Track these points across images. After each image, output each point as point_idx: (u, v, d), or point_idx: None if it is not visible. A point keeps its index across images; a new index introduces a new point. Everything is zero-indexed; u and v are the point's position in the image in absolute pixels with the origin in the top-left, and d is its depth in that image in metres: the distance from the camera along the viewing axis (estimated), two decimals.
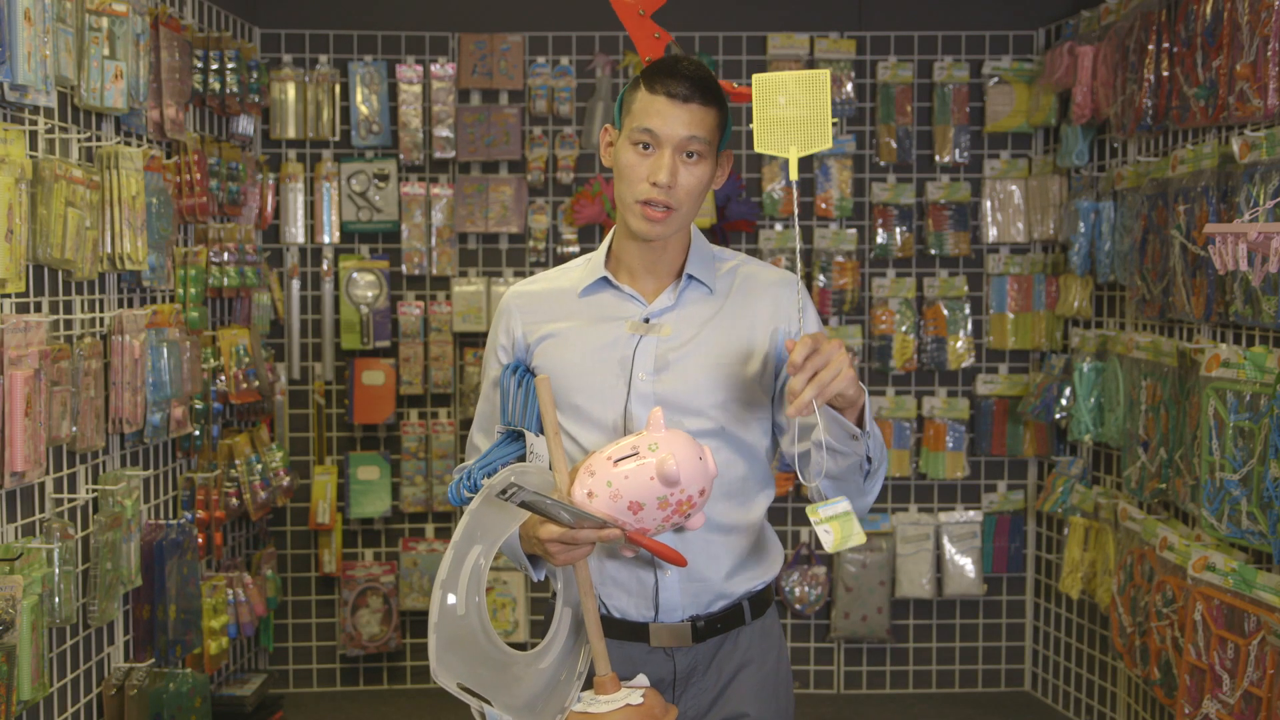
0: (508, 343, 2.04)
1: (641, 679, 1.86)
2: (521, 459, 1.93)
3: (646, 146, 1.89)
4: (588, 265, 2.05)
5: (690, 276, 1.99)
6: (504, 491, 1.67)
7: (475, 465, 1.93)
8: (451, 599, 1.73)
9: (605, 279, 2.00)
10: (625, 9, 1.96)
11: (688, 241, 2.02)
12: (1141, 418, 3.52)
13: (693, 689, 1.97)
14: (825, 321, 4.56)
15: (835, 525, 1.75)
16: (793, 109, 1.77)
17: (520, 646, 1.86)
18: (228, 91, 3.85)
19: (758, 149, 1.83)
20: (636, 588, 1.95)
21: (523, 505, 1.70)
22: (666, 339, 1.95)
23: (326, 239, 4.52)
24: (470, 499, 1.92)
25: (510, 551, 1.90)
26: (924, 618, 4.64)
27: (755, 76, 1.80)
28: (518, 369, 2.00)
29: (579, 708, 1.80)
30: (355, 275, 4.47)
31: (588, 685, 1.86)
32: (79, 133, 2.90)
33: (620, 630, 1.94)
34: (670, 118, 1.87)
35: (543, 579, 1.97)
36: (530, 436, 1.93)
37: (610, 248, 2.03)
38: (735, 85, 2.01)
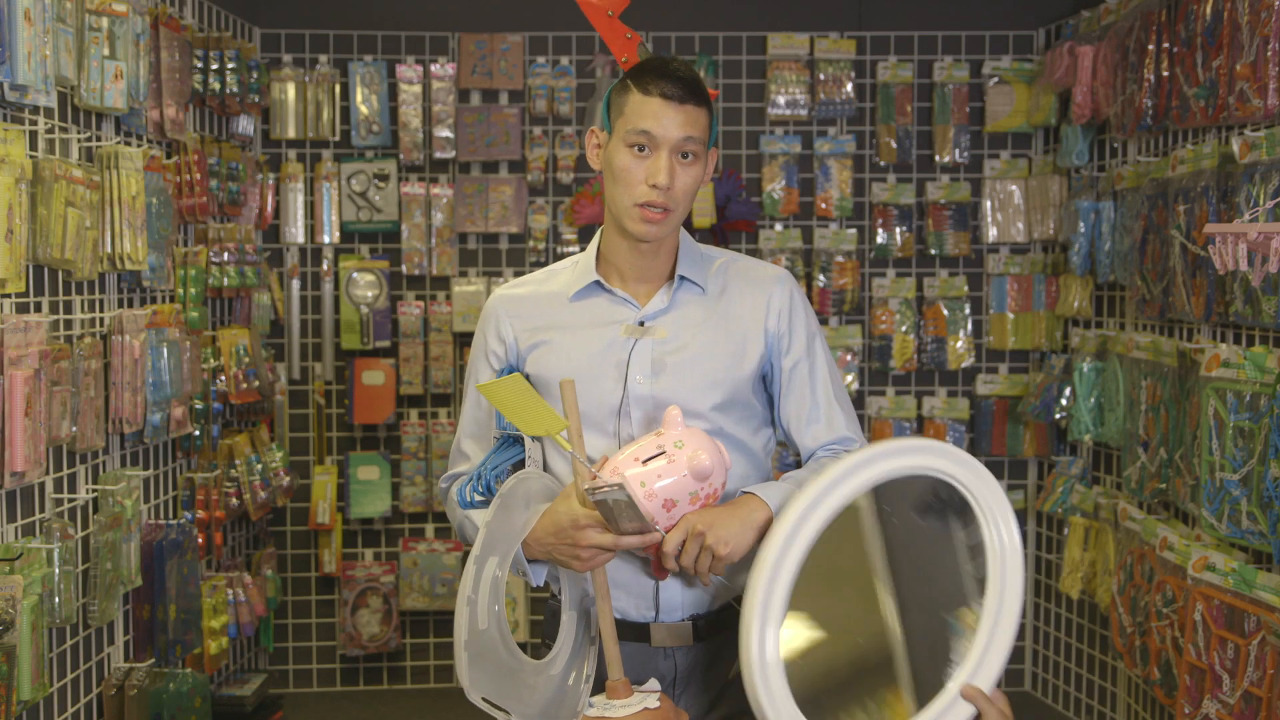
0: (499, 348, 2.02)
1: (653, 683, 1.86)
2: (521, 464, 1.94)
3: (642, 149, 1.88)
4: (575, 269, 2.03)
5: (683, 278, 1.99)
6: (595, 489, 1.70)
7: (488, 468, 1.93)
8: (477, 614, 1.73)
9: (597, 283, 1.99)
10: (594, 11, 1.96)
11: (676, 243, 2.01)
12: (1141, 418, 3.52)
13: (694, 688, 1.97)
14: (825, 321, 4.56)
15: None
16: (517, 405, 1.79)
17: (521, 647, 1.87)
18: (228, 91, 3.85)
19: (528, 433, 1.86)
20: (637, 588, 1.95)
21: (600, 503, 1.72)
22: (662, 341, 1.95)
23: (326, 239, 4.52)
24: (480, 502, 1.92)
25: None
26: None
27: (481, 388, 1.83)
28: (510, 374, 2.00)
29: (593, 713, 1.80)
30: (355, 275, 4.47)
31: (598, 689, 1.86)
32: (79, 133, 2.90)
33: (621, 630, 1.93)
34: (666, 119, 1.86)
35: (542, 584, 1.97)
36: (528, 441, 1.93)
37: (599, 251, 2.02)
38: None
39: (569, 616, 1.92)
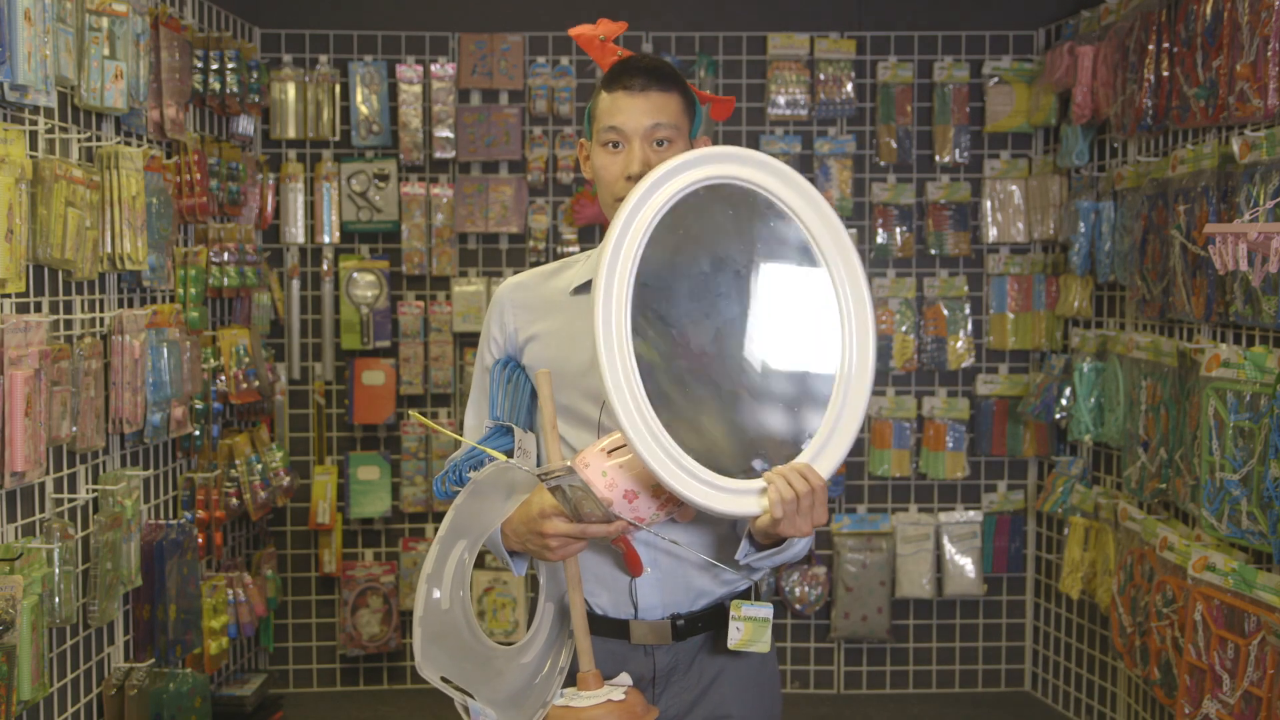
0: (500, 336, 2.05)
1: (624, 677, 1.87)
2: (509, 454, 1.94)
3: (616, 145, 1.90)
4: (583, 265, 2.05)
5: None
6: (547, 475, 1.70)
7: (462, 459, 1.95)
8: (436, 593, 1.74)
9: None
10: (586, 40, 2.01)
11: None
12: (1141, 418, 3.52)
13: (673, 688, 1.97)
14: None
15: (749, 626, 1.88)
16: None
17: None
18: (228, 91, 3.85)
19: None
20: (614, 584, 1.95)
21: (555, 490, 1.72)
22: None
23: (326, 239, 4.52)
24: (454, 493, 1.93)
25: (493, 546, 1.91)
26: (924, 618, 4.64)
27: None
28: (507, 364, 2.02)
29: (560, 702, 1.81)
30: (355, 275, 4.47)
31: (570, 681, 1.87)
32: (79, 133, 2.90)
33: (601, 627, 1.94)
34: (631, 110, 1.88)
35: (523, 575, 1.98)
36: (519, 432, 1.94)
37: None
38: (712, 94, 2.05)
39: (547, 607, 1.93)
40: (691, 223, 1.79)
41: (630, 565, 1.91)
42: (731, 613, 1.89)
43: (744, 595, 2.01)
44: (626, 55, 2.01)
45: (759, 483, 1.74)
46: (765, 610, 1.89)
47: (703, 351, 1.81)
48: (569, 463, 1.74)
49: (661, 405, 1.73)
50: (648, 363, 1.74)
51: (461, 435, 2.10)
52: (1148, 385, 3.49)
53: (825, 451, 1.78)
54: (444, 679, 1.70)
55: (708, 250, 1.81)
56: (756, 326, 1.81)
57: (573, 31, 2.04)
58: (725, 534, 1.97)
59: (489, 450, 1.87)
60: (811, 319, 1.82)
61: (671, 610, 1.96)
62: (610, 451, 1.77)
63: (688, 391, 1.79)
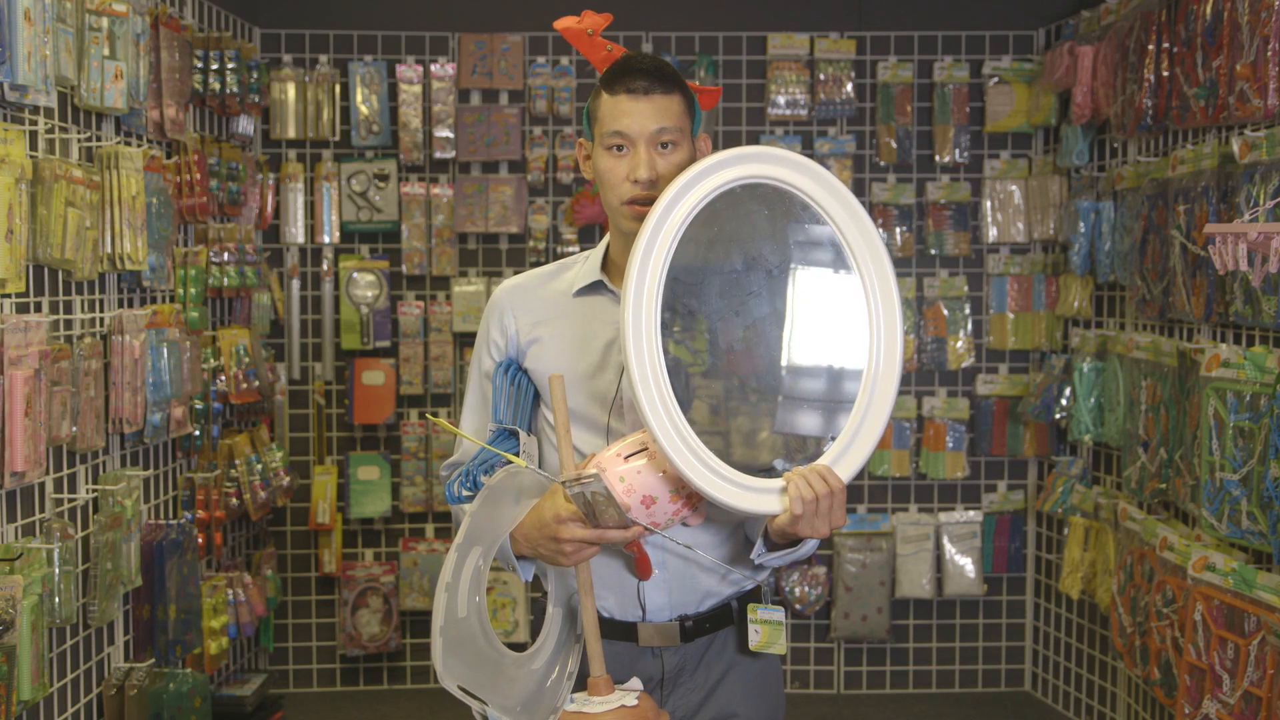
0: (501, 339, 2.04)
1: (635, 682, 1.87)
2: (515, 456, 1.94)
3: (620, 148, 1.89)
4: (583, 266, 2.04)
5: None
6: (572, 481, 1.71)
7: (474, 464, 1.93)
8: (455, 601, 1.74)
9: (600, 282, 2.00)
10: (574, 35, 2.01)
11: None
12: (1141, 418, 3.52)
13: (681, 688, 1.97)
14: None
15: (765, 629, 1.93)
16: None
17: (520, 646, 1.87)
18: (228, 91, 3.85)
19: None
20: (622, 587, 1.95)
21: (577, 497, 1.72)
22: None
23: (326, 239, 4.52)
24: (468, 497, 1.92)
25: (500, 552, 1.91)
26: (924, 618, 4.64)
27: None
28: (509, 367, 2.01)
29: (572, 708, 1.81)
30: (355, 275, 4.47)
31: (580, 686, 1.86)
32: (79, 133, 2.90)
33: (609, 629, 1.94)
34: (635, 114, 1.87)
35: (530, 580, 1.98)
36: (523, 436, 1.93)
37: (607, 251, 2.03)
38: (698, 84, 2.05)
39: (555, 612, 1.93)
40: (726, 220, 1.79)
41: (641, 569, 1.91)
42: (749, 617, 1.92)
43: (751, 596, 2.01)
44: (617, 50, 2.00)
45: (780, 482, 1.74)
46: (779, 614, 1.93)
47: (730, 350, 1.81)
48: (600, 470, 1.74)
49: (686, 402, 1.73)
50: (673, 359, 1.74)
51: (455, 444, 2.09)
52: (1148, 385, 3.49)
53: (847, 455, 1.78)
54: (461, 688, 1.70)
55: (741, 249, 1.81)
56: (785, 327, 1.81)
57: (558, 24, 2.03)
58: (733, 535, 1.97)
59: (508, 455, 1.86)
60: (840, 323, 1.82)
61: (679, 612, 1.96)
62: (626, 457, 1.76)
63: (712, 389, 1.79)
